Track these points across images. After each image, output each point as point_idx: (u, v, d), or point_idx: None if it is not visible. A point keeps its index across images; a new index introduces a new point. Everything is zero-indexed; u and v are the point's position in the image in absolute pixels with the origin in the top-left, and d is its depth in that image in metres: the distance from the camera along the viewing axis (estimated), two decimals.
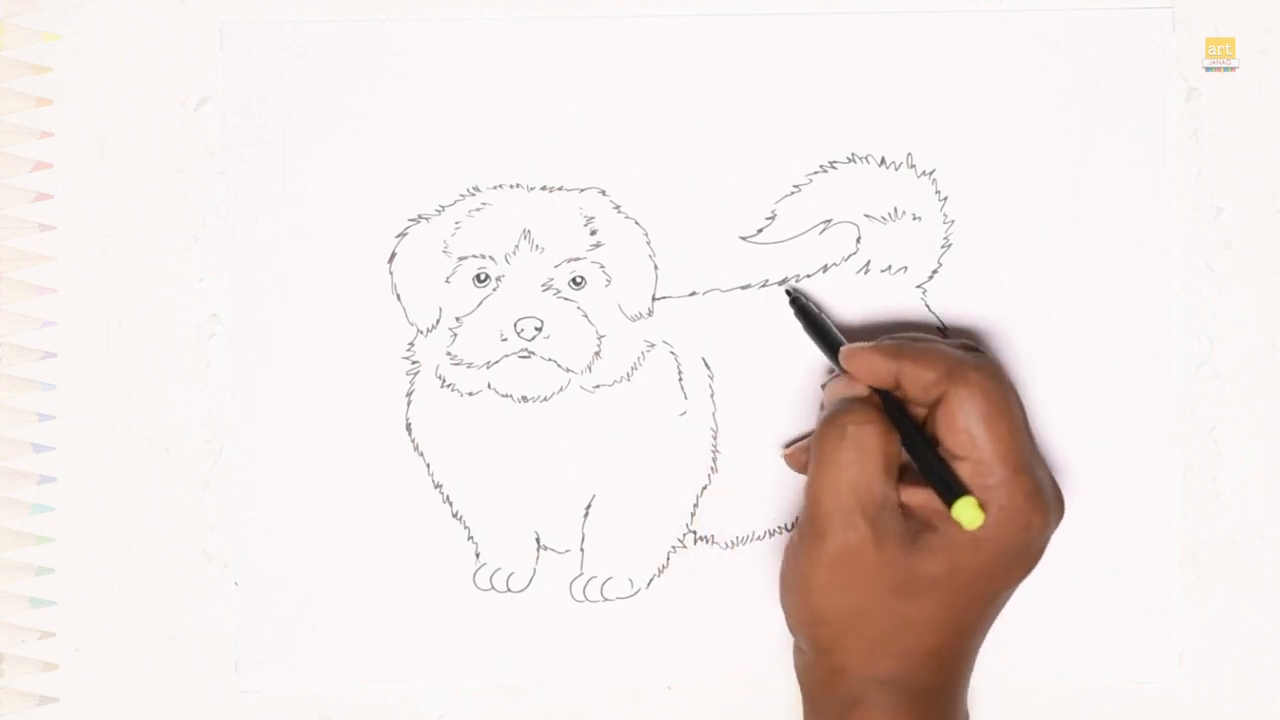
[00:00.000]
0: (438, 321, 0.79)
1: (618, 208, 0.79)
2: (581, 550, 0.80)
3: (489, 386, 0.79)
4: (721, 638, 0.80)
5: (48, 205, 0.79)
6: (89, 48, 0.79)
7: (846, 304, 0.79)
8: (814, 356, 0.79)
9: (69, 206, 0.79)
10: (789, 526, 0.80)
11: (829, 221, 0.79)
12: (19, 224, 0.79)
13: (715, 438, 0.79)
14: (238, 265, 0.79)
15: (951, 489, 0.69)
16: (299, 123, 0.79)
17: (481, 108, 0.79)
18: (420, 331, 0.79)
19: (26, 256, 0.79)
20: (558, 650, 0.80)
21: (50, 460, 0.79)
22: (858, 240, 0.79)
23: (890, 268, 0.79)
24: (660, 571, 0.80)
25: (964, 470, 0.70)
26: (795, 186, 0.79)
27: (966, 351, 0.73)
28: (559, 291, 0.78)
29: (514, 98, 0.79)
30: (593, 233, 0.79)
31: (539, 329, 0.78)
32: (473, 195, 0.79)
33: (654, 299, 0.79)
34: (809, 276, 0.79)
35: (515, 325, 0.78)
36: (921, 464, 0.71)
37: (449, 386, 0.79)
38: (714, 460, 0.80)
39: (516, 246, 0.78)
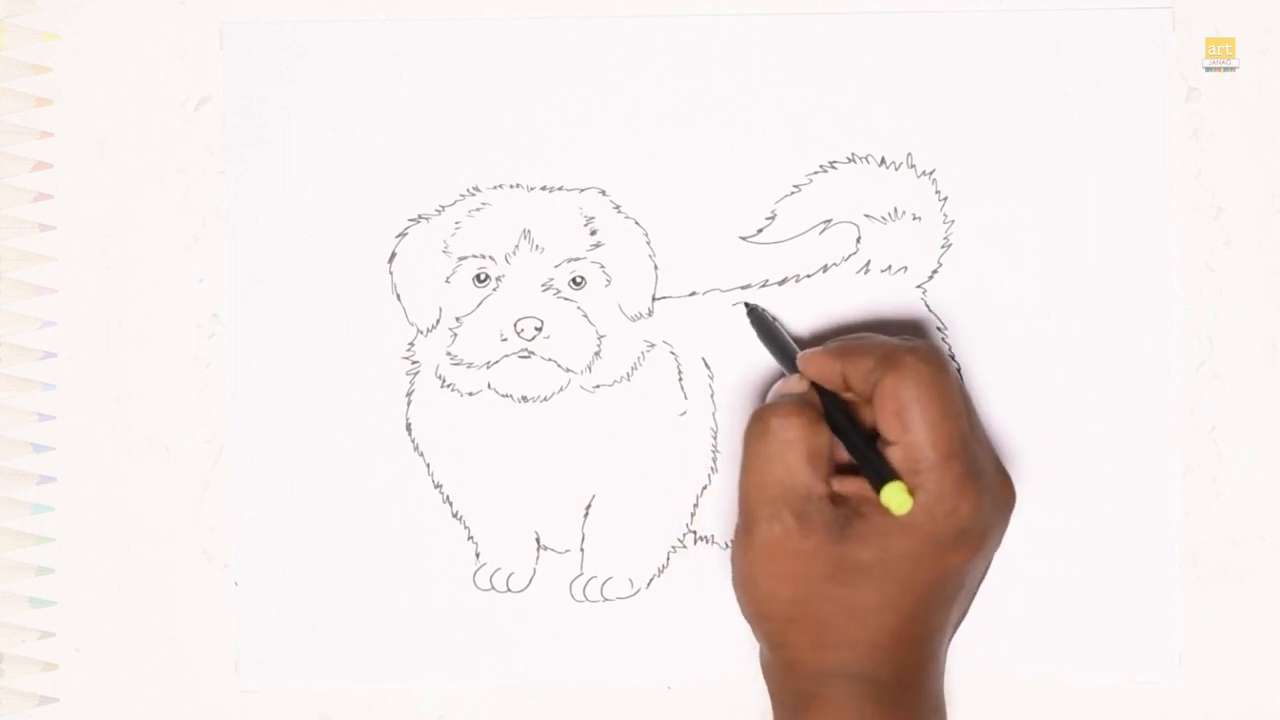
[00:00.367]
0: (438, 321, 0.79)
1: (618, 208, 0.79)
2: (581, 550, 0.80)
3: (489, 386, 0.79)
4: (722, 638, 0.80)
5: (48, 205, 0.79)
6: (89, 48, 0.79)
7: (846, 304, 0.79)
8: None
9: (69, 206, 0.79)
10: None
11: (829, 221, 0.79)
12: (19, 224, 0.79)
13: (715, 438, 0.79)
14: (238, 265, 0.79)
15: (880, 475, 0.69)
16: (299, 123, 0.79)
17: (481, 108, 0.79)
18: (420, 331, 0.79)
19: (26, 256, 0.79)
20: (558, 650, 0.80)
21: (50, 460, 0.79)
22: (858, 240, 0.79)
23: (890, 268, 0.79)
24: (660, 571, 0.80)
25: (895, 455, 0.70)
26: (795, 186, 0.79)
27: (906, 339, 0.73)
28: (559, 291, 0.78)
29: (514, 98, 0.79)
30: (593, 233, 0.79)
31: (539, 329, 0.78)
32: (473, 195, 0.79)
33: (654, 299, 0.79)
34: (809, 276, 0.79)
35: (515, 325, 0.78)
36: (852, 451, 0.71)
37: (449, 386, 0.79)
38: (714, 460, 0.80)
39: (516, 246, 0.78)
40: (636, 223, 0.79)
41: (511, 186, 0.79)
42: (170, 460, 0.80)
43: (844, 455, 0.72)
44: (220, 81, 0.79)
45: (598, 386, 0.79)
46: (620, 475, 0.80)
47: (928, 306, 0.79)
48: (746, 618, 0.74)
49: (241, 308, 0.79)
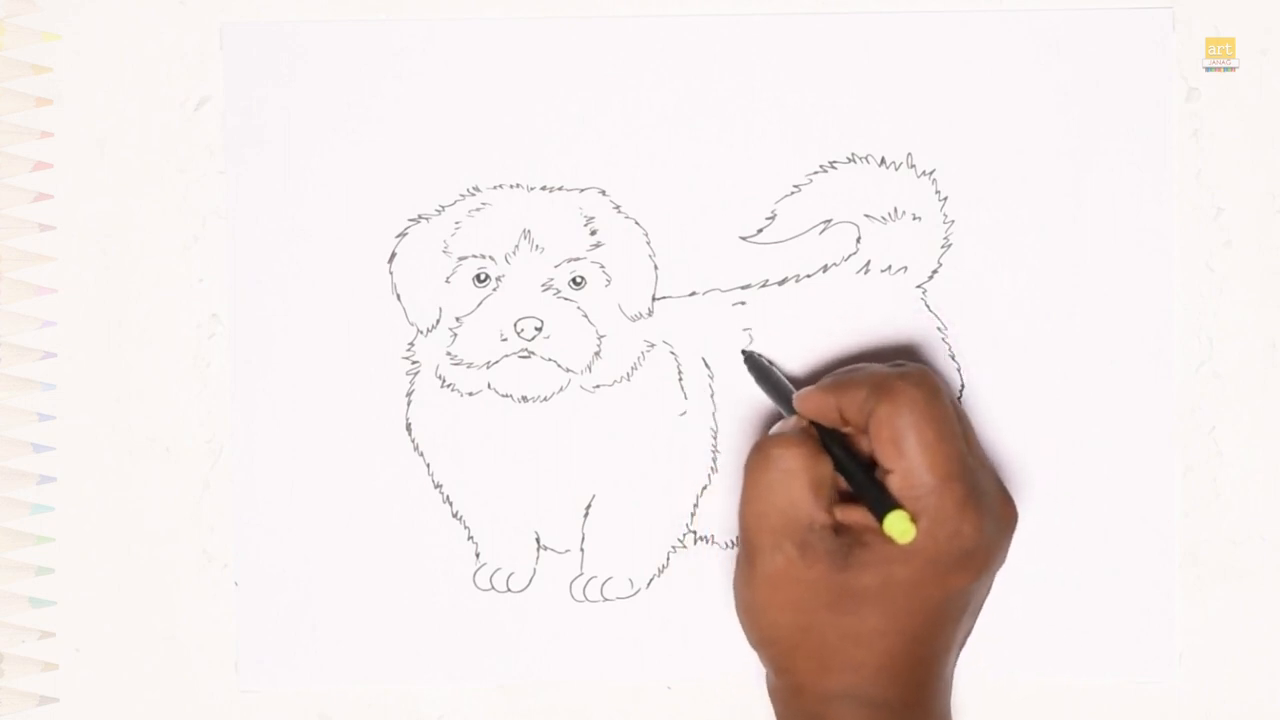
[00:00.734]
0: (438, 321, 0.79)
1: (618, 208, 0.79)
2: (581, 550, 0.80)
3: (489, 386, 0.79)
4: (722, 638, 0.80)
5: (48, 205, 0.79)
6: (89, 48, 0.79)
7: (846, 304, 0.79)
8: (813, 357, 0.79)
9: (69, 206, 0.79)
10: None
11: (829, 221, 0.79)
12: (19, 224, 0.79)
13: (715, 438, 0.79)
14: (238, 265, 0.79)
15: (882, 503, 0.70)
16: (299, 123, 0.79)
17: (481, 108, 0.79)
18: (420, 331, 0.79)
19: (26, 256, 0.79)
20: (558, 650, 0.80)
21: (50, 460, 0.79)
22: (858, 240, 0.79)
23: (890, 268, 0.79)
24: (660, 571, 0.80)
25: (893, 482, 0.70)
26: (795, 186, 0.79)
27: (896, 365, 0.73)
28: (559, 291, 0.78)
29: (514, 98, 0.79)
30: (593, 233, 0.79)
31: (539, 329, 0.78)
32: (473, 195, 0.79)
33: (654, 299, 0.79)
34: (809, 276, 0.79)
35: (515, 325, 0.78)
36: (852, 482, 0.71)
37: (449, 386, 0.79)
38: (714, 460, 0.80)
39: (516, 246, 0.78)
40: (636, 223, 0.79)
41: (511, 186, 0.79)
42: (170, 460, 0.80)
43: (845, 486, 0.72)
44: (220, 81, 0.79)
45: (598, 386, 0.79)
46: (620, 475, 0.80)
47: (928, 306, 0.79)
48: (751, 644, 0.74)
49: (241, 308, 0.79)
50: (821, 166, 0.79)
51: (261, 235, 0.79)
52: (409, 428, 0.79)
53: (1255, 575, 0.80)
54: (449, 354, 0.79)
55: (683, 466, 0.80)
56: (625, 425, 0.79)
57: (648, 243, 0.79)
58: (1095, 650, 0.80)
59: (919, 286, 0.79)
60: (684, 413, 0.79)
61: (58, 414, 0.79)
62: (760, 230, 0.79)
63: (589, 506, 0.80)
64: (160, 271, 0.79)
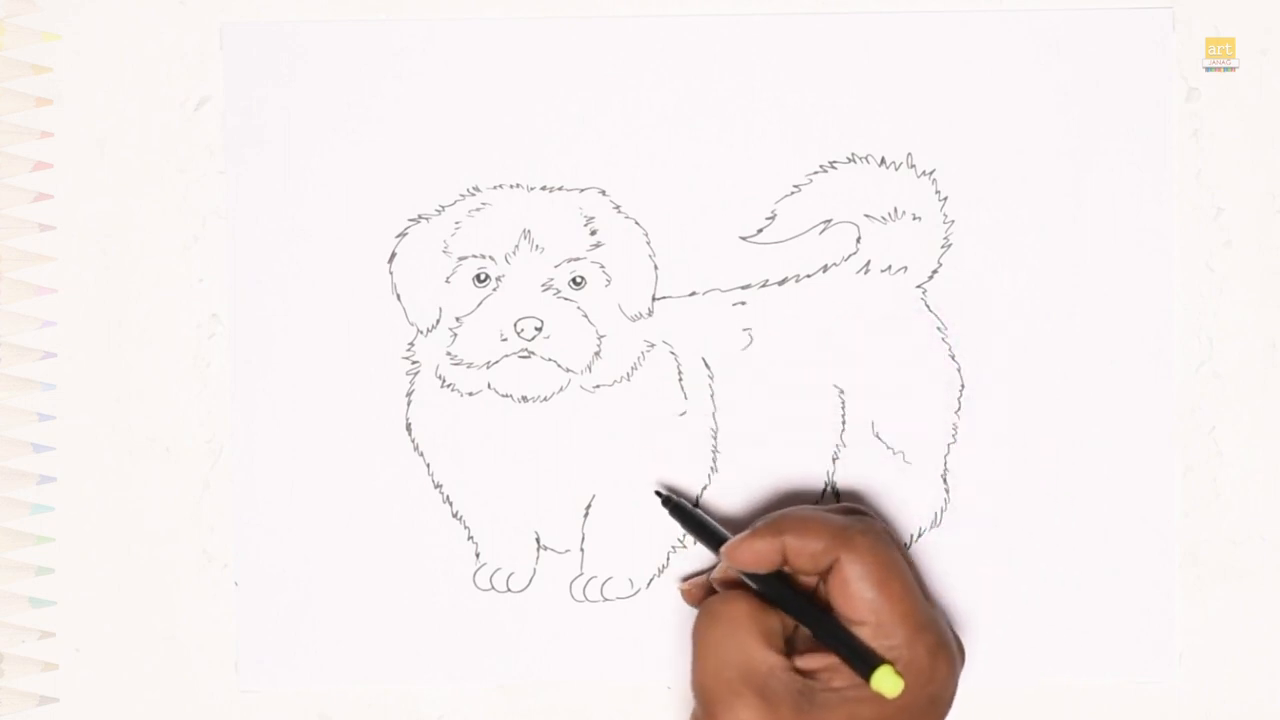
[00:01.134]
0: (438, 321, 0.79)
1: (618, 208, 0.79)
2: (581, 550, 0.80)
3: (489, 386, 0.79)
4: None
5: (48, 205, 0.79)
6: (89, 48, 0.79)
7: (846, 304, 0.79)
8: (813, 355, 0.79)
9: (69, 206, 0.79)
10: None
11: (829, 221, 0.79)
12: (19, 224, 0.79)
13: (715, 438, 0.79)
14: (238, 265, 0.79)
15: (866, 660, 0.70)
16: (299, 123, 0.79)
17: (481, 108, 0.79)
18: (420, 331, 0.79)
19: (26, 256, 0.79)
20: (558, 650, 0.80)
21: (50, 460, 0.79)
22: (858, 240, 0.79)
23: (890, 268, 0.79)
24: (660, 571, 0.80)
25: (865, 634, 0.70)
26: (795, 186, 0.79)
27: (848, 515, 0.73)
28: (559, 291, 0.78)
29: (514, 98, 0.79)
30: (593, 233, 0.79)
31: (539, 329, 0.78)
32: (473, 195, 0.79)
33: (654, 299, 0.79)
34: (809, 276, 0.79)
35: (515, 325, 0.78)
36: (823, 637, 0.71)
37: (449, 386, 0.79)
38: (714, 460, 0.80)
39: (516, 246, 0.78)
40: (636, 223, 0.79)
41: (511, 186, 0.79)
42: (170, 460, 0.80)
43: (790, 626, 0.72)
44: (220, 81, 0.79)
45: (598, 386, 0.79)
46: (620, 475, 0.80)
47: (928, 306, 0.79)
48: None
49: (241, 308, 0.79)
50: (821, 166, 0.79)
51: (261, 235, 0.79)
52: (409, 428, 0.79)
53: (1255, 575, 0.80)
54: (449, 354, 0.79)
55: (683, 466, 0.80)
56: (625, 425, 0.79)
57: (648, 243, 0.79)
58: (1095, 650, 0.80)
59: (919, 286, 0.79)
60: (684, 413, 0.79)
61: (58, 414, 0.79)
62: (760, 230, 0.79)
63: (589, 506, 0.80)
64: (160, 271, 0.79)
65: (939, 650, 0.70)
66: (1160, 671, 0.80)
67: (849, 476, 0.80)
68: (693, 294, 0.79)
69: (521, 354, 0.78)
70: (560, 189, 0.79)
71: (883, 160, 0.79)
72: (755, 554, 0.72)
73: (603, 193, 0.79)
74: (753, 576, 0.73)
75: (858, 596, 0.70)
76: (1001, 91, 0.79)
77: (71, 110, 0.79)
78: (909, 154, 0.79)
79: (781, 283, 0.79)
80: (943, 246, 0.79)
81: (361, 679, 0.80)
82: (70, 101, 0.79)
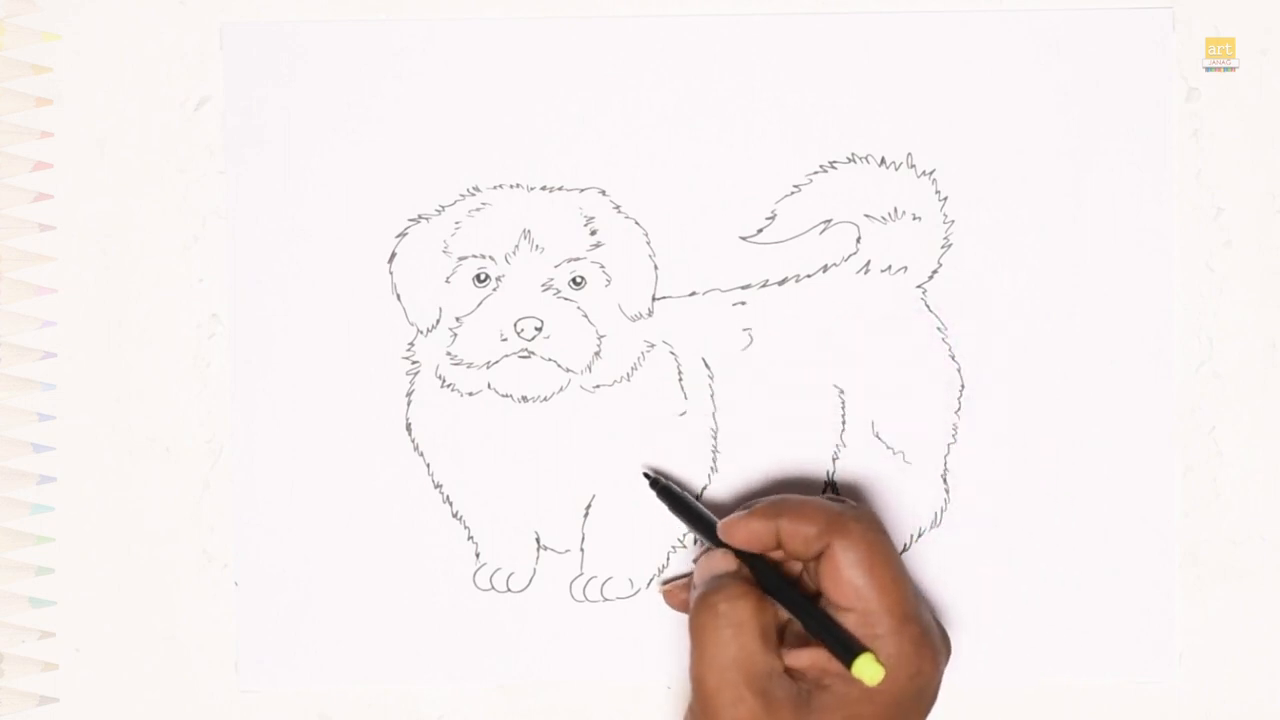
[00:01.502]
0: (438, 321, 0.79)
1: (618, 208, 0.79)
2: (581, 550, 0.80)
3: (489, 386, 0.79)
4: None
5: (48, 205, 0.79)
6: (89, 48, 0.79)
7: (846, 304, 0.79)
8: (813, 355, 0.79)
9: (69, 206, 0.79)
10: None
11: (829, 221, 0.79)
12: (19, 224, 0.79)
13: (715, 438, 0.80)
14: (238, 265, 0.79)
15: (849, 647, 0.70)
16: (299, 123, 0.79)
17: (481, 108, 0.79)
18: (420, 331, 0.79)
19: (26, 256, 0.79)
20: (558, 650, 0.80)
21: (50, 460, 0.79)
22: (858, 240, 0.79)
23: (890, 268, 0.79)
24: (660, 571, 0.80)
25: (850, 622, 0.70)
26: (795, 186, 0.79)
27: (842, 503, 0.73)
28: (559, 291, 0.78)
29: (514, 98, 0.79)
30: (593, 233, 0.79)
31: (539, 329, 0.78)
32: (473, 195, 0.79)
33: (654, 299, 0.79)
34: (809, 276, 0.79)
35: (515, 325, 0.78)
36: (810, 625, 0.71)
37: (449, 386, 0.79)
38: (714, 460, 0.80)
39: (516, 246, 0.78)
40: (636, 223, 0.79)
41: (511, 186, 0.79)
42: (170, 460, 0.80)
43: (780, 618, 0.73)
44: (220, 81, 0.79)
45: (598, 386, 0.79)
46: (620, 475, 0.80)
47: (928, 306, 0.79)
48: None
49: (241, 308, 0.79)
50: (821, 166, 0.79)
51: (261, 235, 0.79)
52: (409, 428, 0.79)
53: (1255, 575, 0.80)
54: (449, 354, 0.79)
55: (683, 466, 0.80)
56: (625, 425, 0.79)
57: (648, 243, 0.79)
58: (1095, 650, 0.80)
59: (919, 286, 0.79)
60: (684, 413, 0.79)
61: (58, 414, 0.79)
62: (760, 230, 0.79)
63: (589, 506, 0.80)
64: (160, 271, 0.79)
65: (924, 642, 0.70)
66: (1160, 671, 0.80)
67: (849, 476, 0.80)
68: (693, 294, 0.79)
69: (521, 354, 0.78)
70: (560, 189, 0.79)
71: (883, 160, 0.79)
72: (750, 533, 0.73)
73: (603, 193, 0.79)
74: (742, 557, 0.73)
75: (847, 582, 0.70)
76: (1001, 91, 0.79)
77: (71, 110, 0.79)
78: (909, 154, 0.79)
79: (781, 283, 0.79)
80: (943, 246, 0.79)
81: (361, 679, 0.80)
82: (70, 101, 0.79)
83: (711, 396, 0.80)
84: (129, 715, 0.80)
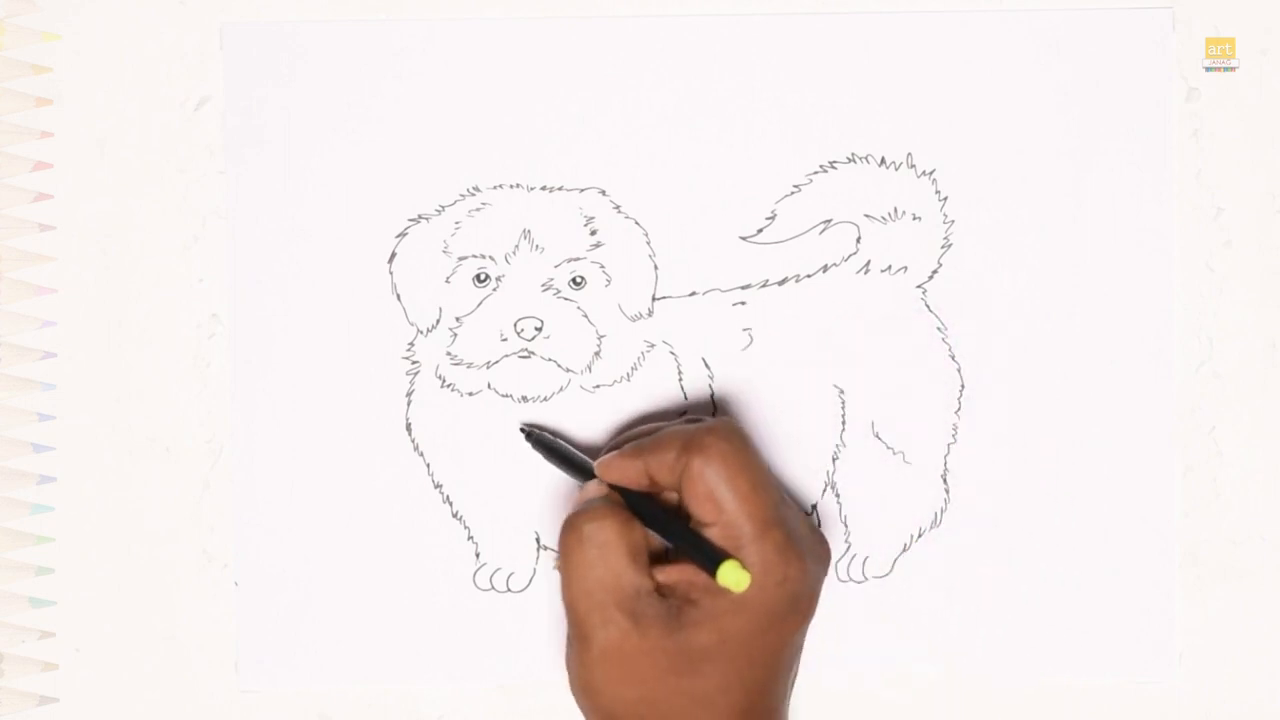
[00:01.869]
0: (438, 321, 0.79)
1: (618, 208, 0.79)
2: None
3: (489, 386, 0.79)
4: None
5: (48, 205, 0.79)
6: (89, 48, 0.79)
7: (846, 304, 0.79)
8: (813, 355, 0.79)
9: (69, 206, 0.79)
10: None
11: (829, 221, 0.79)
12: (19, 224, 0.79)
13: None
14: (238, 265, 0.79)
15: (711, 557, 0.70)
16: (299, 123, 0.79)
17: (481, 108, 0.79)
18: (420, 331, 0.79)
19: (26, 256, 0.79)
20: (558, 650, 0.80)
21: (50, 460, 0.79)
22: (858, 240, 0.79)
23: (890, 268, 0.79)
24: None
25: (714, 535, 0.71)
26: (795, 186, 0.79)
27: (700, 421, 0.73)
28: (559, 291, 0.78)
29: (514, 98, 0.79)
30: (593, 233, 0.79)
31: (539, 329, 0.78)
32: (473, 195, 0.79)
33: (654, 299, 0.79)
34: (809, 276, 0.79)
35: (515, 325, 0.78)
36: (674, 540, 0.71)
37: (449, 386, 0.79)
38: None
39: (516, 246, 0.78)
40: (636, 223, 0.79)
41: (511, 186, 0.79)
42: (170, 460, 0.80)
43: (656, 543, 0.73)
44: (220, 81, 0.79)
45: (598, 386, 0.79)
46: None
47: (928, 306, 0.79)
48: None
49: (241, 308, 0.79)
50: (821, 166, 0.79)
51: (261, 235, 0.79)
52: (409, 428, 0.79)
53: (1255, 575, 0.80)
54: (449, 354, 0.79)
55: None
56: (625, 425, 0.79)
57: (648, 243, 0.79)
58: (1095, 650, 0.80)
59: (919, 286, 0.79)
60: (684, 413, 0.79)
61: (58, 414, 0.79)
62: (760, 230, 0.79)
63: None
64: (160, 271, 0.79)
65: (788, 549, 0.70)
66: (1160, 671, 0.80)
67: (849, 476, 0.80)
68: (693, 294, 0.79)
69: (521, 354, 0.78)
70: (560, 189, 0.79)
71: (883, 160, 0.79)
72: (623, 470, 0.73)
73: (603, 193, 0.79)
74: (616, 489, 0.73)
75: (704, 496, 0.71)
76: (1001, 91, 0.79)
77: (71, 110, 0.79)
78: (909, 154, 0.79)
79: (781, 283, 0.79)
80: (943, 246, 0.79)
81: (361, 679, 0.80)
82: (70, 101, 0.79)
83: (711, 396, 0.80)
84: (129, 715, 0.80)
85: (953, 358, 0.79)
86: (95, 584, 0.80)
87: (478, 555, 0.80)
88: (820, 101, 0.79)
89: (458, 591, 0.80)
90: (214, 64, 0.79)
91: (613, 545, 0.71)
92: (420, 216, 0.79)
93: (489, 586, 0.80)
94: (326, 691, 0.80)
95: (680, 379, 0.79)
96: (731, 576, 0.69)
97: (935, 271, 0.79)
